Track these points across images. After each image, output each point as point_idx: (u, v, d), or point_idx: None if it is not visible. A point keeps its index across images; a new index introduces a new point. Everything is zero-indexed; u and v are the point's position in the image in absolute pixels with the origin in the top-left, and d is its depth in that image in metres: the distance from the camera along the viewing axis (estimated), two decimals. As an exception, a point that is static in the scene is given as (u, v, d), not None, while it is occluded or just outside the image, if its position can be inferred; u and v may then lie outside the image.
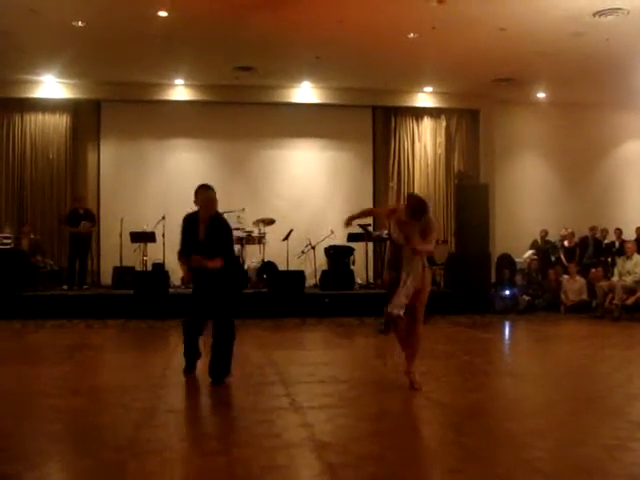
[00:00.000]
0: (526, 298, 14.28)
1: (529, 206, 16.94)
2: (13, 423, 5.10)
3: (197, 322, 7.07)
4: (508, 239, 16.08)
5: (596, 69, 13.87)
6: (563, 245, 16.25)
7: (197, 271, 6.94)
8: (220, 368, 6.71)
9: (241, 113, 15.88)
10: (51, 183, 15.60)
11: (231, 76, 14.64)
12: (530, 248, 16.20)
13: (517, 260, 15.76)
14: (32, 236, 14.18)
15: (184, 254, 7.03)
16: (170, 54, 13.23)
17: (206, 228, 6.88)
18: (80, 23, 11.56)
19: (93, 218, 14.59)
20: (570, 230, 16.29)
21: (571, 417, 5.40)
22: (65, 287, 14.00)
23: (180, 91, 15.70)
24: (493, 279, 14.96)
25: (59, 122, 15.71)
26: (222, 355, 6.73)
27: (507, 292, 14.33)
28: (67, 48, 12.76)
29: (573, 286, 14.42)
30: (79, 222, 14.10)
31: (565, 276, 14.70)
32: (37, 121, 15.66)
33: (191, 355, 7.10)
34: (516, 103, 16.62)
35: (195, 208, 6.93)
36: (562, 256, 15.97)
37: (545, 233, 16.38)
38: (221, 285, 6.79)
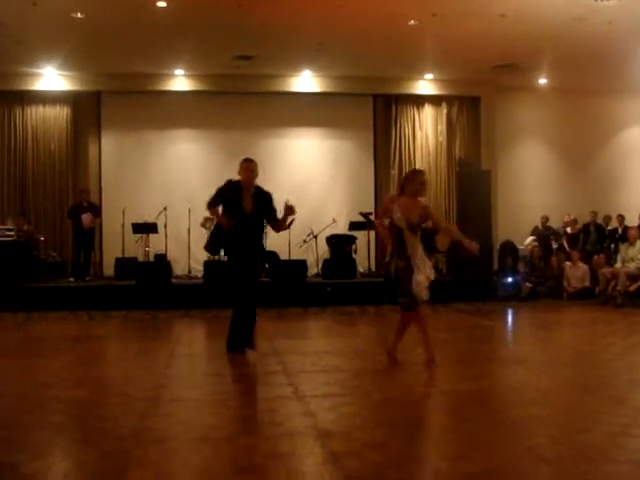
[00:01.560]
0: (529, 285, 14.29)
1: (531, 193, 16.91)
2: (17, 414, 5.12)
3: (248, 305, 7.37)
4: (510, 226, 16.06)
5: (598, 54, 13.80)
6: (566, 232, 16.23)
7: (242, 252, 7.32)
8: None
9: (241, 103, 15.85)
10: (53, 175, 15.60)
11: (231, 65, 14.61)
12: (531, 234, 16.17)
13: (520, 247, 15.75)
14: (26, 227, 14.15)
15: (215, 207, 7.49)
16: (170, 44, 13.20)
17: (252, 200, 7.33)
18: (79, 14, 11.54)
19: (97, 211, 14.60)
20: (573, 217, 16.28)
21: (574, 404, 5.40)
22: (71, 279, 14.03)
23: (180, 81, 15.67)
24: (495, 266, 14.95)
25: (60, 114, 15.69)
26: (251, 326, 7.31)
27: (509, 279, 14.34)
28: (67, 40, 12.74)
29: (576, 273, 14.41)
30: (81, 215, 14.13)
31: (568, 263, 14.69)
32: (38, 113, 15.64)
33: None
34: (517, 89, 16.57)
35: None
36: (565, 243, 15.95)
37: (546, 219, 16.36)
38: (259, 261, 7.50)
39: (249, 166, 7.52)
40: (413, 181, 6.85)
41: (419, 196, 6.83)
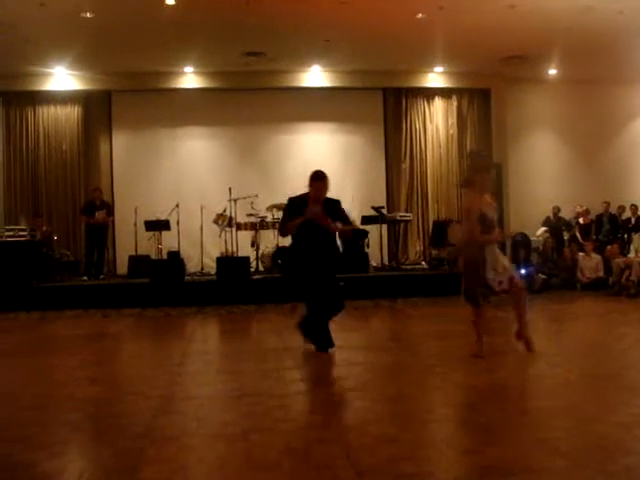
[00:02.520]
0: (542, 277, 14.24)
1: (543, 184, 16.84)
2: (32, 413, 5.15)
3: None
4: (522, 218, 16.01)
5: (609, 44, 13.73)
6: (578, 222, 16.16)
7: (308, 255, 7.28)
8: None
9: (251, 99, 15.87)
10: (65, 174, 15.70)
11: (240, 62, 14.62)
12: (543, 225, 16.11)
13: (532, 239, 15.69)
14: (44, 228, 14.25)
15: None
16: (179, 42, 13.23)
17: (321, 206, 7.32)
18: (88, 14, 11.58)
19: (110, 209, 14.68)
20: (585, 207, 16.21)
21: (588, 395, 5.38)
22: (85, 278, 14.10)
23: (190, 79, 15.70)
24: (508, 258, 14.89)
25: (71, 114, 15.78)
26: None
27: (522, 271, 14.27)
28: (76, 39, 12.81)
29: (589, 263, 14.36)
30: (94, 213, 14.23)
31: (581, 253, 14.64)
32: (49, 113, 15.74)
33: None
34: (527, 81, 16.51)
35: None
36: (577, 233, 15.89)
37: (557, 210, 16.29)
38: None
39: (321, 184, 7.53)
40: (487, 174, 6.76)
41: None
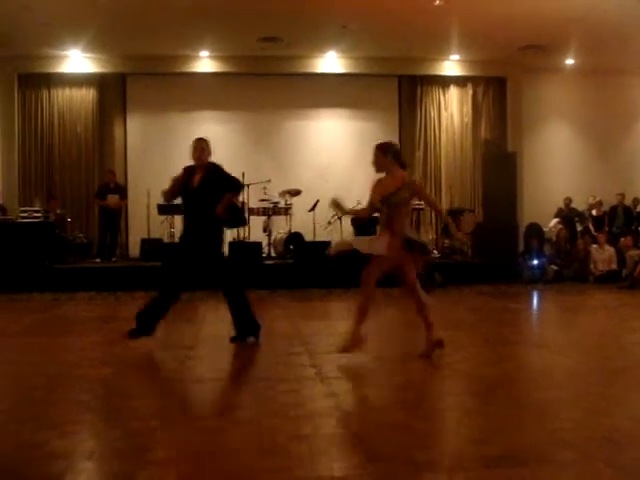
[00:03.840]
0: (554, 268, 14.19)
1: (557, 175, 16.74)
2: (44, 392, 5.19)
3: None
4: (536, 208, 15.92)
5: (627, 34, 13.59)
6: (591, 214, 16.09)
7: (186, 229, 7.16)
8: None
9: (266, 84, 15.84)
10: (79, 157, 15.74)
11: (256, 47, 14.59)
12: (555, 216, 16.03)
13: (545, 229, 15.63)
14: (58, 211, 14.31)
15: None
16: (195, 26, 13.21)
17: (201, 177, 7.04)
18: (104, -4, 11.57)
19: (124, 192, 14.73)
20: (598, 199, 16.12)
21: (598, 387, 5.37)
22: (98, 260, 14.17)
23: (205, 63, 15.68)
24: (521, 248, 14.85)
25: (86, 96, 15.80)
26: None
27: (535, 262, 14.24)
28: (92, 22, 12.78)
29: (602, 255, 14.29)
30: (108, 196, 14.29)
31: (594, 245, 14.57)
32: (64, 96, 15.76)
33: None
34: (544, 70, 16.38)
35: None
36: (590, 225, 15.81)
37: (569, 201, 16.20)
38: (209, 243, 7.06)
39: (196, 144, 7.29)
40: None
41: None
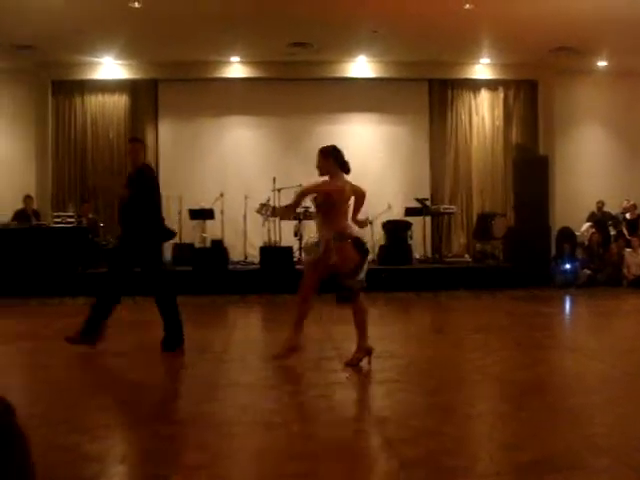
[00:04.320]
0: (587, 272, 14.04)
1: (590, 178, 16.56)
2: (77, 395, 5.25)
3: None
4: (568, 212, 15.77)
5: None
6: (625, 217, 15.90)
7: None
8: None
9: (297, 89, 15.87)
10: (111, 162, 15.89)
11: (286, 52, 14.62)
12: (587, 220, 15.86)
13: (577, 234, 15.48)
14: (90, 215, 14.45)
15: None
16: (225, 32, 13.27)
17: (128, 178, 7.11)
18: (136, 4, 11.67)
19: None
20: (632, 202, 15.93)
21: (632, 393, 5.32)
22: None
23: (236, 68, 15.76)
24: (553, 253, 14.73)
25: (118, 102, 15.96)
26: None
27: (567, 266, 14.10)
28: (124, 29, 12.93)
29: (636, 260, 14.11)
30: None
31: (628, 249, 14.40)
32: (97, 102, 15.93)
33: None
34: (575, 73, 16.22)
35: None
36: (624, 229, 15.63)
37: (602, 204, 16.02)
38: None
39: (129, 146, 7.32)
40: None
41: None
